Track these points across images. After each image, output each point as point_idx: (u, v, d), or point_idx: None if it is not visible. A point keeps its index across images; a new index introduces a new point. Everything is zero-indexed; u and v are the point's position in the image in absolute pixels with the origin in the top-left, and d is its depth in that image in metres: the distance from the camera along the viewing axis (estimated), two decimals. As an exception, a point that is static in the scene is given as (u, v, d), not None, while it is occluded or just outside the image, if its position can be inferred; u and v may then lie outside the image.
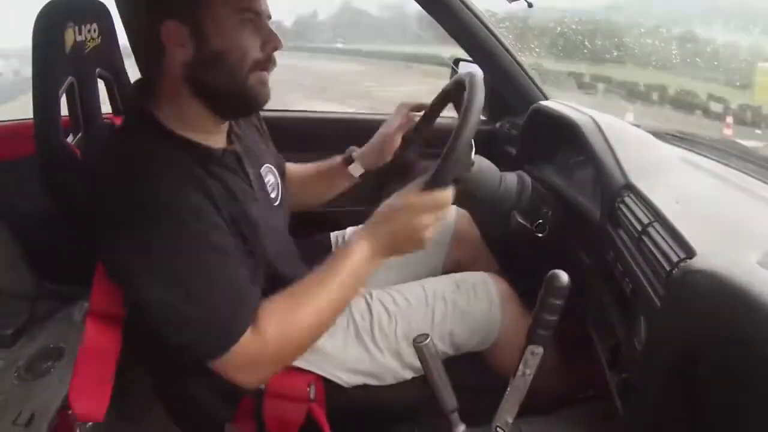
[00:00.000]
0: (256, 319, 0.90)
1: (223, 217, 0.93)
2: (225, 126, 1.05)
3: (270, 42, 0.96)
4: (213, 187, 0.93)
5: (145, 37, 0.96)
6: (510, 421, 0.78)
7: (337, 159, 1.41)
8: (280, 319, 0.91)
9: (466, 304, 1.18)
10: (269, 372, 0.96)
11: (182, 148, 0.95)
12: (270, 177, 1.16)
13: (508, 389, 0.77)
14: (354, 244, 0.97)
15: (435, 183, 0.95)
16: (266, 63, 0.97)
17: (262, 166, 1.15)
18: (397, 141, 1.33)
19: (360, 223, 1.07)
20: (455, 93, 1.22)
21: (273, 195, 1.16)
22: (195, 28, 0.91)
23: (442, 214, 0.97)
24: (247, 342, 0.88)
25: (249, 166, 1.08)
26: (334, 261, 0.97)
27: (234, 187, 0.99)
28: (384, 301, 1.20)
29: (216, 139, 1.03)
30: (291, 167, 1.44)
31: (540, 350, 0.74)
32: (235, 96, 0.96)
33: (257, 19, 0.95)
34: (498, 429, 0.79)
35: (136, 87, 1.04)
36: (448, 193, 0.95)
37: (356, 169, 1.38)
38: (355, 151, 1.39)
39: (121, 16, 1.11)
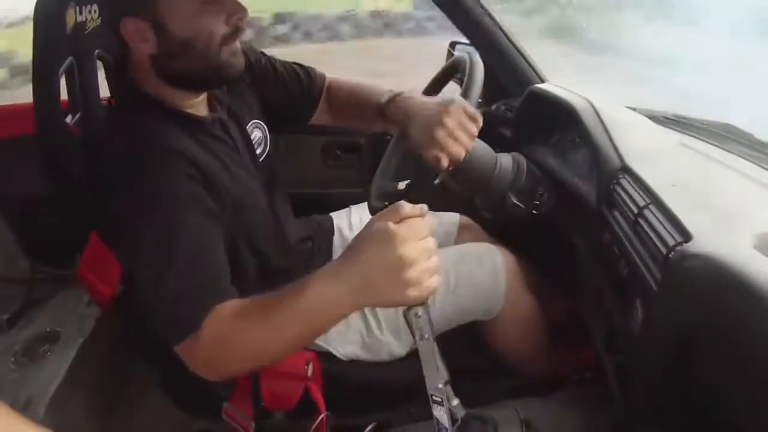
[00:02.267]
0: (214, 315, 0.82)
1: (220, 192, 0.95)
2: (204, 95, 1.06)
3: (235, 14, 0.95)
4: (207, 162, 0.95)
5: (110, 32, 0.97)
6: (441, 386, 0.76)
7: (375, 105, 1.18)
8: (220, 328, 0.81)
9: (469, 274, 1.18)
10: (215, 372, 0.86)
11: (173, 119, 0.97)
12: (256, 132, 1.17)
13: (420, 358, 0.76)
14: (311, 284, 0.76)
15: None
16: (235, 35, 0.96)
17: (249, 123, 1.15)
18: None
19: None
20: (454, 74, 1.22)
21: (259, 151, 1.17)
22: (155, 22, 0.90)
23: (425, 241, 0.74)
24: (198, 337, 0.81)
25: (235, 130, 1.10)
26: (292, 294, 0.78)
27: (224, 156, 1.01)
28: None
29: (199, 107, 1.04)
30: (337, 84, 1.33)
31: (420, 310, 0.74)
32: (208, 75, 0.97)
33: None
34: (435, 398, 0.76)
35: (117, 66, 1.07)
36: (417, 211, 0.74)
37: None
38: (391, 108, 1.15)
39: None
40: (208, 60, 0.94)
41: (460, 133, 1.00)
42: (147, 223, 0.85)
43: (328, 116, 1.35)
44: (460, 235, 1.48)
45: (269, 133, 1.22)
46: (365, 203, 1.40)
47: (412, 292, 0.72)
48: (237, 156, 1.07)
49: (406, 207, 0.74)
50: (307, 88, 1.29)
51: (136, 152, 0.89)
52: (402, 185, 1.21)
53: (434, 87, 1.27)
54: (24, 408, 1.25)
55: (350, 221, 1.46)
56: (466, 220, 1.52)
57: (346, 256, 0.76)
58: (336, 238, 1.42)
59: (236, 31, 0.96)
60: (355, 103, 1.27)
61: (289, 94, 1.28)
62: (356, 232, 1.40)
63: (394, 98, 1.15)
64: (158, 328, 0.87)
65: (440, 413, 0.78)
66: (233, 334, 0.80)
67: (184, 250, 0.84)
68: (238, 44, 0.98)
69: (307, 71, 1.31)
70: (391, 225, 0.72)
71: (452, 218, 1.51)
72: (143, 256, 0.85)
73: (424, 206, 0.75)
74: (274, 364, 0.85)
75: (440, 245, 1.44)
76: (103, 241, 1.03)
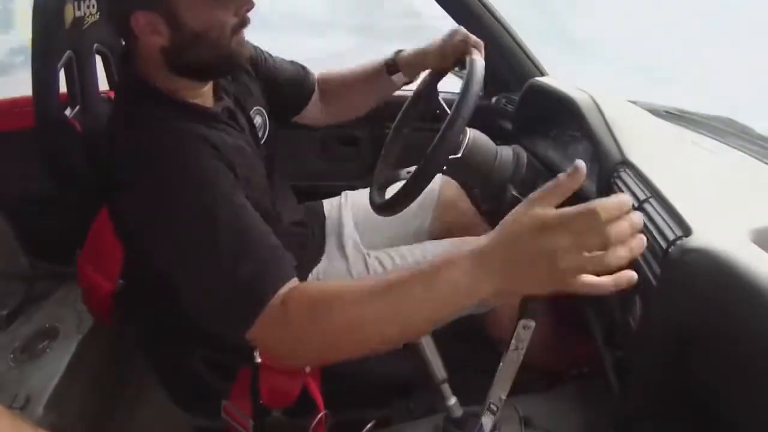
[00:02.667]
0: (289, 292, 0.78)
1: (237, 173, 0.95)
2: (209, 85, 1.07)
3: (243, 5, 0.95)
4: (223, 147, 0.95)
5: (117, 26, 0.98)
6: (503, 397, 0.78)
7: (380, 63, 1.28)
8: (313, 306, 0.75)
9: None
10: (298, 357, 0.84)
11: (185, 112, 0.97)
12: (258, 118, 1.19)
13: (501, 365, 0.76)
14: (454, 263, 0.68)
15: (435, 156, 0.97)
16: (243, 25, 0.97)
17: (251, 109, 1.17)
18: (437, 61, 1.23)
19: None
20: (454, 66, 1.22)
21: (260, 134, 1.19)
22: (168, 15, 0.90)
23: (583, 236, 0.61)
24: (272, 314, 0.76)
25: (241, 117, 1.11)
26: (423, 268, 0.70)
27: (237, 142, 1.02)
28: (384, 263, 1.24)
29: (205, 97, 1.05)
30: (329, 74, 1.38)
31: (532, 324, 0.73)
32: (219, 64, 0.99)
33: None
34: (492, 406, 0.79)
35: (122, 59, 1.05)
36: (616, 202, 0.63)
37: (400, 78, 1.29)
38: (400, 55, 1.27)
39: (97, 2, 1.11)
40: (219, 50, 0.95)
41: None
42: (183, 207, 0.84)
43: (324, 110, 1.37)
44: (442, 191, 1.50)
45: (268, 119, 1.24)
46: (359, 190, 1.40)
47: (547, 287, 0.64)
48: (245, 139, 1.08)
49: (565, 183, 0.63)
50: (302, 79, 1.32)
51: (155, 142, 0.89)
52: (405, 174, 1.21)
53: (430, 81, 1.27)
54: (23, 405, 1.25)
55: (341, 206, 1.48)
56: (448, 180, 1.51)
57: (501, 238, 0.66)
58: (328, 223, 1.44)
59: (244, 22, 0.97)
60: (351, 84, 1.31)
61: (288, 82, 1.30)
62: (350, 217, 1.43)
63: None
64: (222, 319, 0.83)
65: (488, 420, 0.79)
66: (336, 313, 0.73)
67: (231, 225, 0.82)
68: (243, 36, 0.99)
69: (300, 65, 1.34)
70: (542, 212, 0.63)
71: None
72: (187, 242, 0.83)
73: (582, 167, 0.63)
74: (370, 350, 0.75)
75: (420, 203, 1.40)
76: (122, 239, 1.01)
